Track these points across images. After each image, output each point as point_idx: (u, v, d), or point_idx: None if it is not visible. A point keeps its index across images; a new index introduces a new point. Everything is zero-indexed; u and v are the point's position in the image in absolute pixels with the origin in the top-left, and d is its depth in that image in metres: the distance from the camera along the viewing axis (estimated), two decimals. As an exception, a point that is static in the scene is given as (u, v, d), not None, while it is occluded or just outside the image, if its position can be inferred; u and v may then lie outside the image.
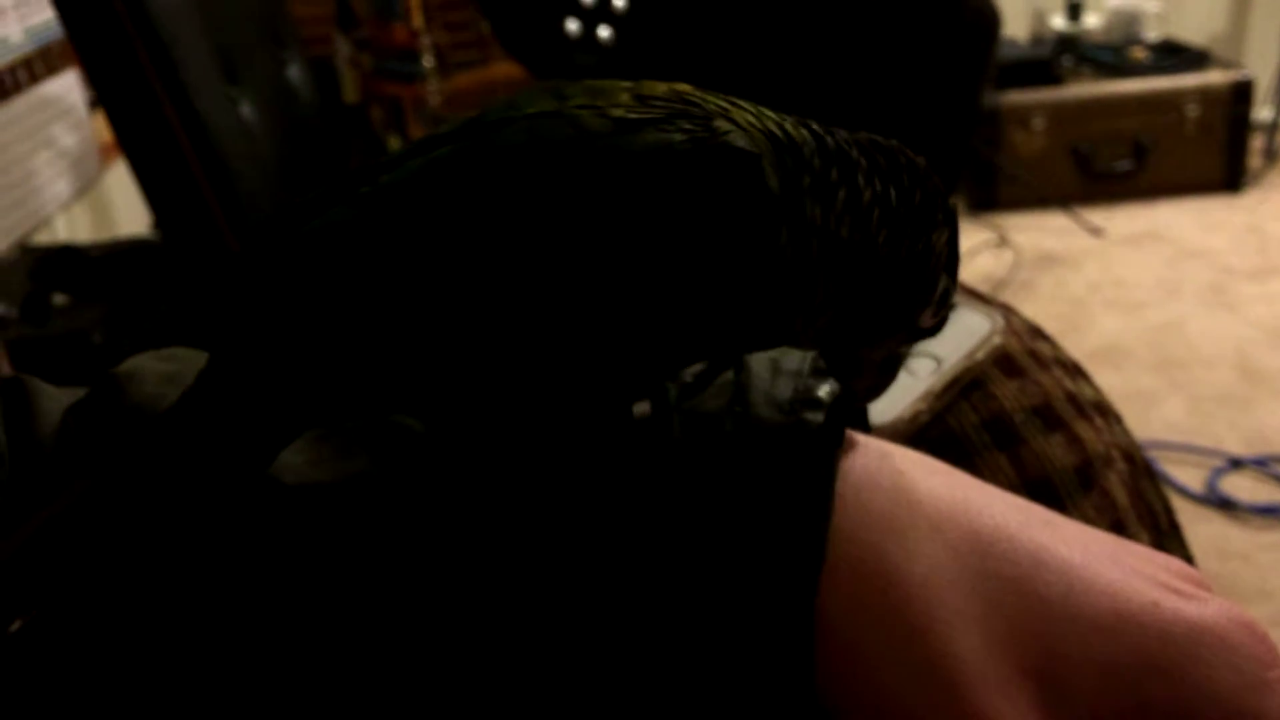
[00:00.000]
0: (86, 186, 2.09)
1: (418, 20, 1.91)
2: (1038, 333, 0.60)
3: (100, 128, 2.13)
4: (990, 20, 1.97)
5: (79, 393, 0.41)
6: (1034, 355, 0.57)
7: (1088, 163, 2.97)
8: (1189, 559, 0.58)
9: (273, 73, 1.39)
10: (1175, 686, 0.30)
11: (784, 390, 0.35)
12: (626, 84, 0.34)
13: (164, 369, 0.40)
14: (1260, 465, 1.91)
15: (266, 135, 1.28)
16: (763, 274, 0.32)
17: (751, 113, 0.34)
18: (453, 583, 0.33)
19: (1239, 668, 0.30)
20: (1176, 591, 0.32)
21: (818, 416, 0.34)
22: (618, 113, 0.32)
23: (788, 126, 0.34)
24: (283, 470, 0.35)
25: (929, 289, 0.35)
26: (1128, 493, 0.55)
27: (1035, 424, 0.54)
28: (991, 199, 2.97)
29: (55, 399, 0.41)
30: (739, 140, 0.32)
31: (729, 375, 0.36)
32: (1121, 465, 0.56)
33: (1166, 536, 0.57)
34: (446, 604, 0.33)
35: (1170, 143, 2.96)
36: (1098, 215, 2.90)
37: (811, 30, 1.94)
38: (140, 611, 0.34)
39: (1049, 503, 0.53)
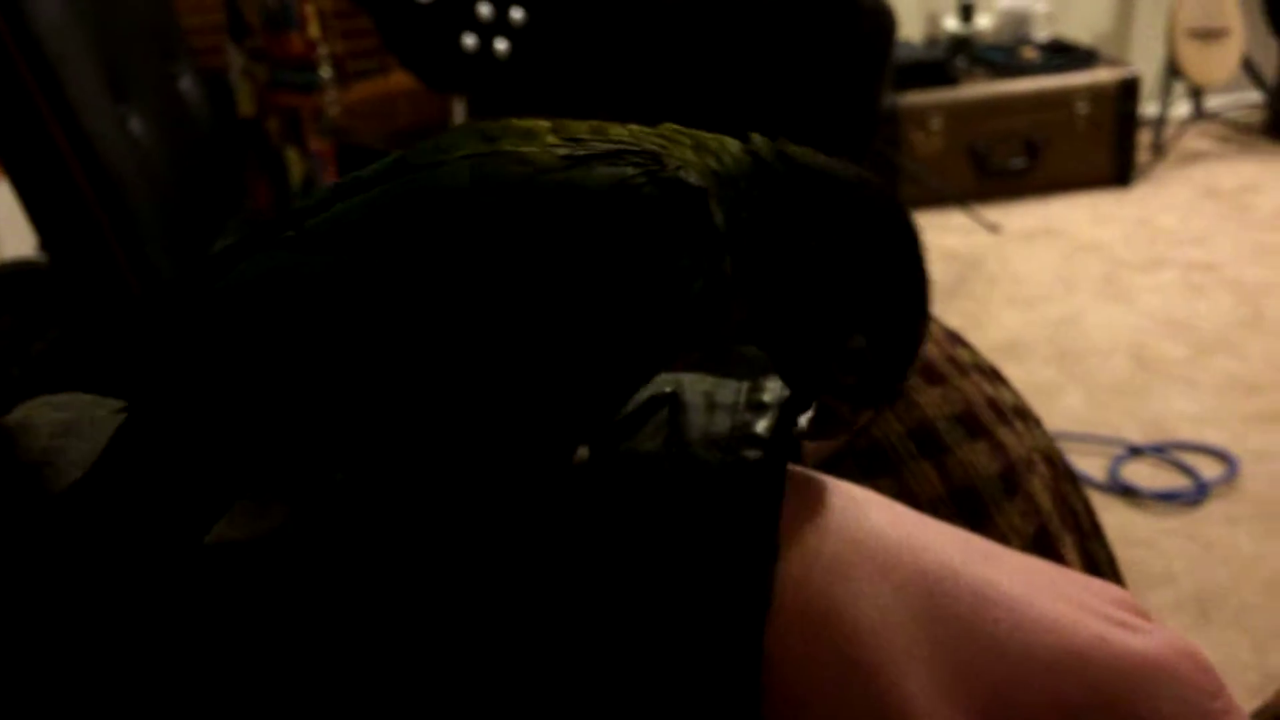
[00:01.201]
0: (-34, 207, 2.01)
1: (315, 30, 1.86)
2: (956, 338, 0.60)
3: (-20, 145, 2.05)
4: (887, 23, 2.00)
5: None
6: (953, 361, 0.57)
7: (983, 161, 3.04)
8: (1111, 557, 0.59)
9: (164, 87, 1.35)
10: None
11: (721, 425, 0.34)
12: (547, 124, 0.33)
13: (57, 418, 0.38)
14: (1159, 452, 1.96)
15: (159, 152, 1.24)
16: (708, 305, 0.31)
17: (689, 145, 0.33)
18: (377, 642, 0.32)
19: (1186, 699, 0.31)
20: (1120, 624, 0.32)
21: (756, 453, 0.33)
22: (561, 150, 0.32)
23: (726, 156, 0.33)
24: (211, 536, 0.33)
25: (829, 336, 0.34)
26: (1050, 496, 0.56)
27: (959, 431, 0.54)
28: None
29: None
30: (690, 176, 0.32)
31: (663, 413, 0.35)
32: (1043, 469, 0.57)
33: (1088, 537, 0.58)
34: (371, 664, 0.31)
35: (1062, 140, 3.05)
36: (995, 213, 2.97)
37: (710, 38, 1.95)
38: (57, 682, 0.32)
39: (976, 510, 0.54)
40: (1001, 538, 0.53)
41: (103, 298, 1.09)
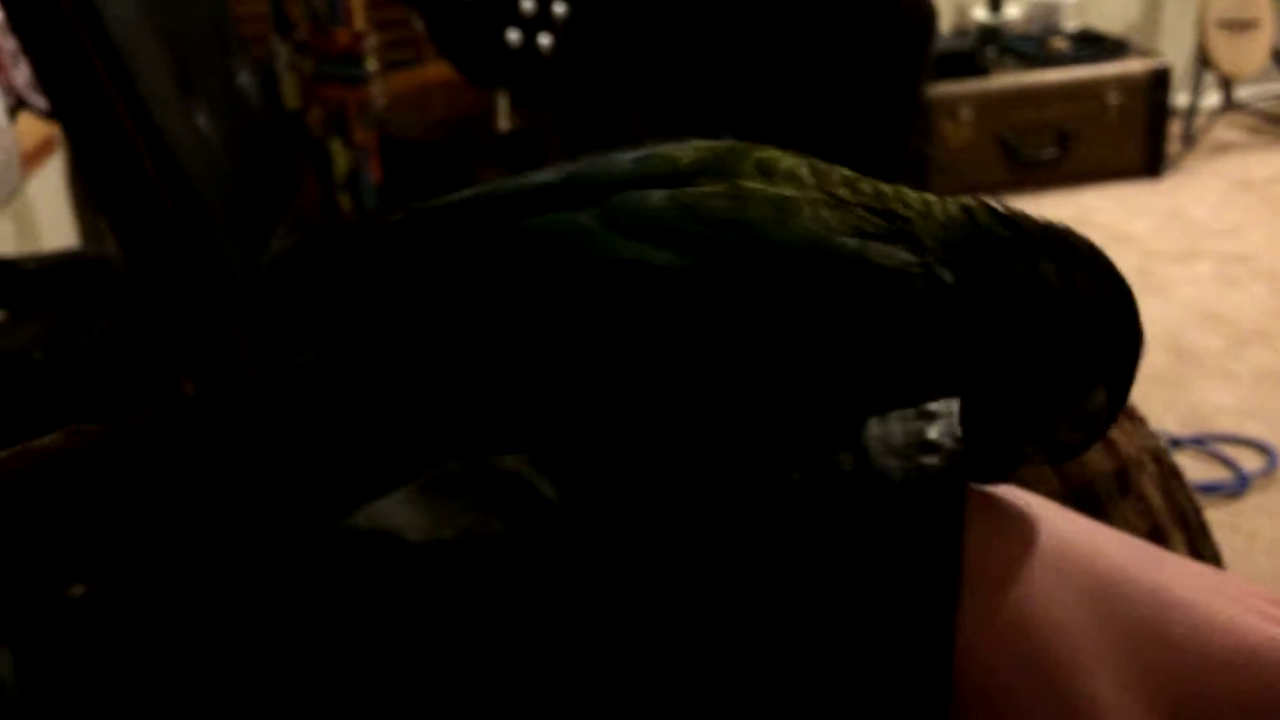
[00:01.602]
0: (8, 197, 2.02)
1: (360, 22, 1.88)
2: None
3: (21, 136, 2.06)
4: (928, 15, 2.00)
5: None
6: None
7: (1014, 152, 3.03)
8: (1217, 554, 0.60)
9: (224, 81, 1.36)
10: None
11: (895, 434, 0.35)
12: (804, 163, 0.35)
13: None
14: (1199, 444, 1.97)
15: (223, 146, 1.25)
16: (945, 370, 0.33)
17: (917, 210, 0.35)
18: (588, 646, 0.33)
19: None
20: None
21: (934, 460, 0.34)
22: (849, 219, 0.33)
23: (946, 220, 0.34)
24: (404, 529, 0.34)
25: (1073, 392, 0.35)
26: (1161, 494, 0.57)
27: (1074, 432, 0.55)
28: (923, 189, 3.01)
29: None
30: (945, 275, 0.33)
31: None
32: (1151, 467, 0.58)
33: (1196, 534, 0.58)
34: (585, 665, 0.32)
35: (1092, 130, 3.04)
36: (1025, 203, 2.94)
37: (752, 32, 1.96)
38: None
39: (1092, 509, 0.55)
40: (1116, 533, 0.53)
41: (178, 291, 1.10)
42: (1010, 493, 0.36)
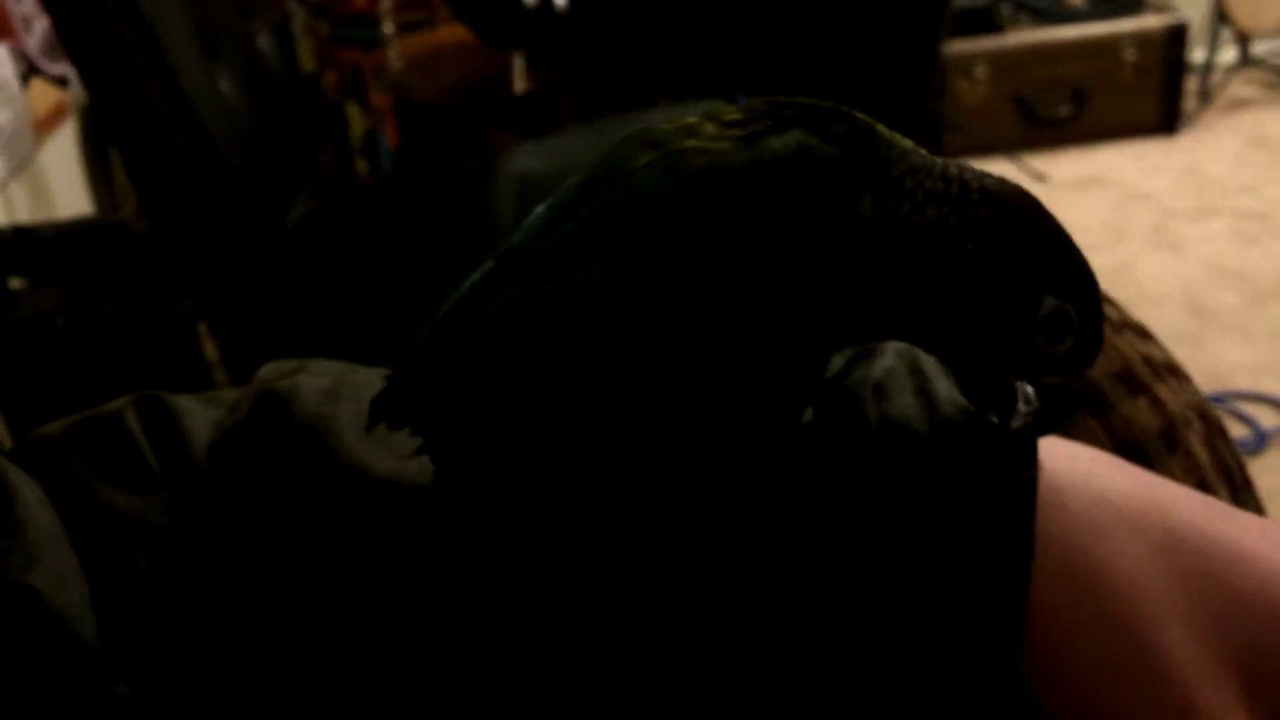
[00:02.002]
0: (22, 165, 2.02)
1: (376, -15, 1.87)
2: (1103, 296, 0.61)
3: (34, 102, 2.05)
4: (945, -30, 1.98)
5: (215, 409, 0.40)
6: (1107, 320, 0.58)
7: (1029, 110, 3.01)
8: (1260, 508, 0.60)
9: (245, 45, 1.36)
10: None
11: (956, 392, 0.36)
12: (699, 118, 0.35)
13: (319, 384, 0.39)
14: (1218, 402, 1.97)
15: (246, 110, 1.25)
16: (881, 245, 0.33)
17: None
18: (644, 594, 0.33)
19: None
20: None
21: (1007, 420, 0.34)
22: (733, 133, 0.34)
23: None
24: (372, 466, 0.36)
25: (1021, 304, 0.34)
26: (1206, 450, 0.57)
27: (1121, 389, 0.55)
28: (937, 148, 2.99)
29: (198, 416, 0.40)
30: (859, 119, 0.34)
31: (906, 375, 0.36)
32: (1197, 424, 0.58)
33: (1240, 490, 0.59)
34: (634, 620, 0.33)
35: (1108, 87, 3.02)
36: (1041, 161, 2.95)
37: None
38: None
39: (1140, 465, 0.55)
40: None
41: (203, 256, 1.10)
42: (1077, 449, 0.36)
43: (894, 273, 0.33)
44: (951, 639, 0.32)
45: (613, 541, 0.34)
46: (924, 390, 0.36)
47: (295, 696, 0.34)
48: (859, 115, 0.35)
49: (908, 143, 0.35)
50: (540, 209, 0.36)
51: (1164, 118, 3.07)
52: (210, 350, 1.60)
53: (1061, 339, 0.35)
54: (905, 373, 0.37)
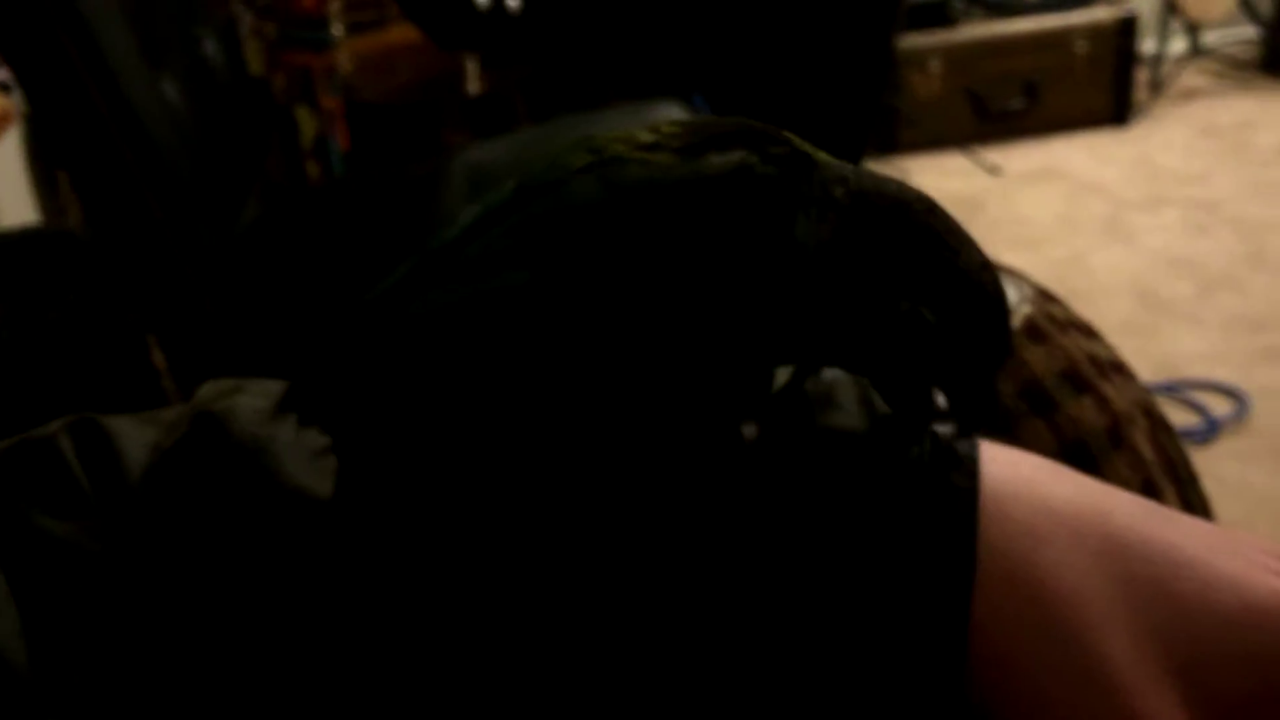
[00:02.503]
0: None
1: (324, -15, 1.85)
2: (1047, 295, 0.61)
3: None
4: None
5: (151, 430, 0.39)
6: (1052, 319, 0.59)
7: (982, 103, 3.04)
8: (1205, 502, 0.61)
9: (190, 50, 1.34)
10: None
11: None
12: (641, 130, 0.35)
13: (258, 405, 0.38)
14: (1170, 391, 1.99)
15: (191, 116, 1.23)
16: (809, 267, 0.33)
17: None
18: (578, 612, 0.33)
19: None
20: None
21: (947, 428, 0.34)
22: (674, 145, 0.34)
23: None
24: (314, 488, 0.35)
25: (881, 310, 0.34)
26: (1152, 447, 0.58)
27: (1066, 388, 0.56)
28: (891, 142, 3.02)
29: (134, 438, 0.39)
30: (796, 143, 0.34)
31: (851, 385, 0.36)
32: (1143, 421, 0.58)
33: (1186, 485, 0.59)
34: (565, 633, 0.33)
35: (1060, 80, 3.04)
36: (995, 154, 2.97)
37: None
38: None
39: (1086, 464, 0.55)
40: (1111, 489, 0.54)
41: (149, 264, 1.09)
42: (1019, 456, 0.36)
43: (816, 292, 0.33)
44: (896, 649, 0.32)
45: (530, 550, 0.34)
46: (868, 400, 0.36)
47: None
48: (795, 139, 0.35)
49: (845, 167, 0.35)
50: (473, 208, 0.36)
51: (1116, 109, 3.10)
52: (160, 359, 1.58)
53: (920, 342, 0.34)
54: (850, 382, 0.37)
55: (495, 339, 0.33)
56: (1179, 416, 1.93)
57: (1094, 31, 3.02)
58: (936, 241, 0.34)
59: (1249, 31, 3.40)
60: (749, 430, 0.36)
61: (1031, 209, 2.70)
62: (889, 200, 0.34)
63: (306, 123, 1.95)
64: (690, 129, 0.35)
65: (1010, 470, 0.35)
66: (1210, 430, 1.88)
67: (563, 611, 0.33)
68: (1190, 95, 3.27)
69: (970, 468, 0.33)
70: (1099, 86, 3.07)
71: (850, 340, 0.34)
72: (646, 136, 0.35)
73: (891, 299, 0.33)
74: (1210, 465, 1.81)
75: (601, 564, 0.34)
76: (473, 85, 1.90)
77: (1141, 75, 3.19)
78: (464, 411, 0.33)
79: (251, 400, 0.38)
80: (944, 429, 0.35)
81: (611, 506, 0.34)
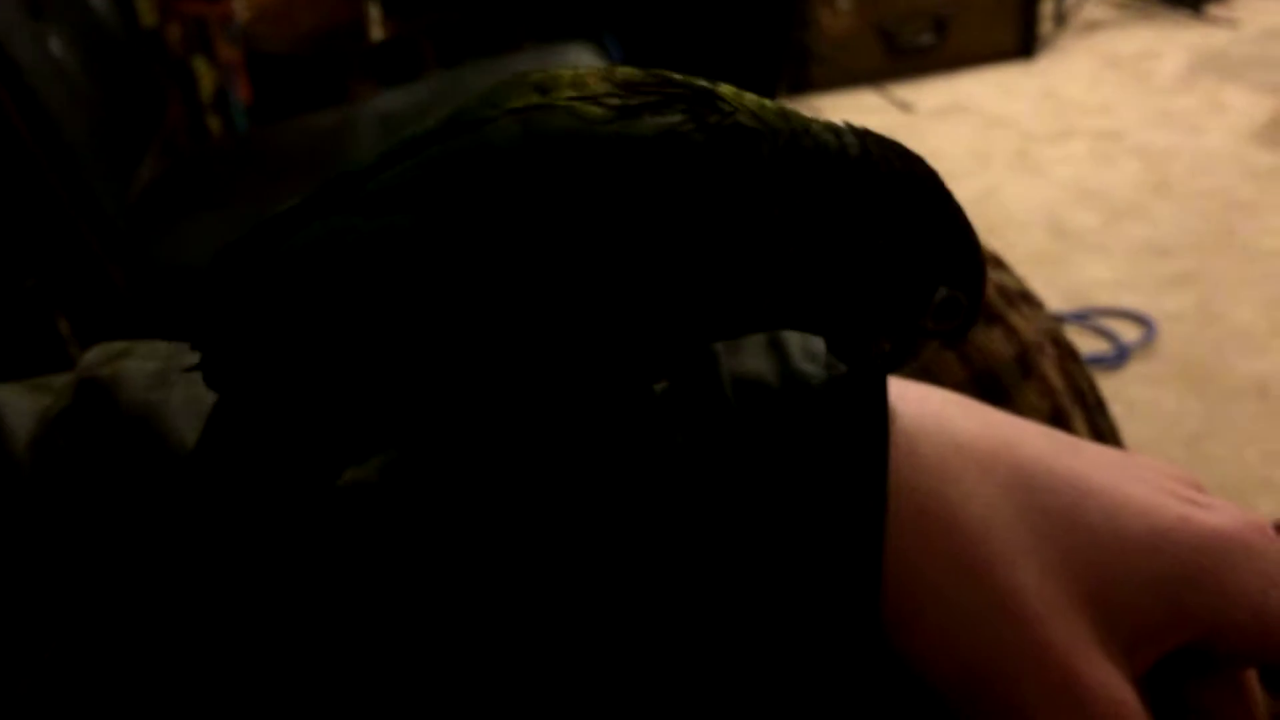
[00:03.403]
0: None
1: (217, -68, 1.78)
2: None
3: None
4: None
5: (43, 398, 0.38)
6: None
7: (893, 39, 3.05)
8: (1114, 429, 0.62)
9: (76, 2, 1.28)
10: (1209, 594, 0.33)
11: (817, 344, 0.35)
12: (599, 71, 0.33)
13: (147, 368, 0.37)
14: (1080, 319, 2.03)
15: (81, 72, 1.18)
16: (760, 248, 0.32)
17: (744, 101, 0.33)
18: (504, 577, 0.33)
19: (1260, 570, 0.33)
20: (1193, 502, 0.34)
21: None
22: (613, 100, 0.32)
23: (772, 117, 0.33)
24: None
25: (913, 293, 0.34)
26: (1060, 375, 0.58)
27: (975, 319, 0.56)
28: (804, 81, 3.02)
29: (20, 409, 0.37)
30: (745, 120, 0.32)
31: (761, 336, 0.36)
32: (1050, 350, 0.59)
33: (1094, 411, 0.60)
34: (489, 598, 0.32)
35: (967, 14, 3.06)
36: (906, 91, 2.99)
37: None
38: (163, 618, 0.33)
39: (996, 393, 0.56)
40: (1021, 416, 0.55)
41: (45, 229, 1.05)
42: (928, 391, 0.36)
43: (766, 265, 0.32)
44: (811, 589, 0.32)
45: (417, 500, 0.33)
46: (775, 343, 0.36)
47: (129, 699, 0.33)
48: (743, 98, 0.33)
49: (814, 123, 0.33)
50: (397, 138, 0.34)
51: (1021, 42, 3.13)
52: (65, 326, 1.54)
53: (949, 321, 0.35)
54: None
55: (364, 284, 0.31)
56: (1090, 344, 1.97)
57: (999, -35, 3.04)
58: (946, 222, 0.34)
59: (1149, -38, 3.45)
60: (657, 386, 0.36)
61: (943, 144, 2.73)
62: (901, 167, 0.33)
63: (205, 75, 1.89)
64: (636, 83, 0.33)
65: (918, 406, 0.35)
66: (1120, 356, 1.93)
67: (468, 565, 0.33)
68: (1093, 27, 3.31)
69: (879, 405, 0.33)
70: (1005, 20, 3.10)
71: (826, 309, 0.34)
72: (591, 85, 0.33)
73: (891, 276, 0.33)
74: (1121, 390, 1.86)
75: (507, 520, 0.33)
76: (376, 32, 1.85)
77: (1046, 8, 3.22)
78: (329, 355, 0.31)
79: (140, 364, 0.37)
80: (853, 368, 0.35)
81: (497, 464, 0.33)
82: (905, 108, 2.91)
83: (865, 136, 0.34)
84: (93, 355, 0.39)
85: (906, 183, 0.33)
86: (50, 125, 1.03)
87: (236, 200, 1.24)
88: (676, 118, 0.31)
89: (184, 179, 1.32)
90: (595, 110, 0.32)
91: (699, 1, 1.89)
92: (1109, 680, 0.31)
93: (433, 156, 0.32)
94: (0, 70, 1.00)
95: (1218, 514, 0.34)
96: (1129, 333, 1.98)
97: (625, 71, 0.34)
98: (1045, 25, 3.21)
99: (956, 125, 2.83)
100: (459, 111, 0.33)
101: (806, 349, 0.35)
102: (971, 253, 0.34)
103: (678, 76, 0.34)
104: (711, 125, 0.32)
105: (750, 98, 0.34)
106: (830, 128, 0.34)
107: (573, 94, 0.32)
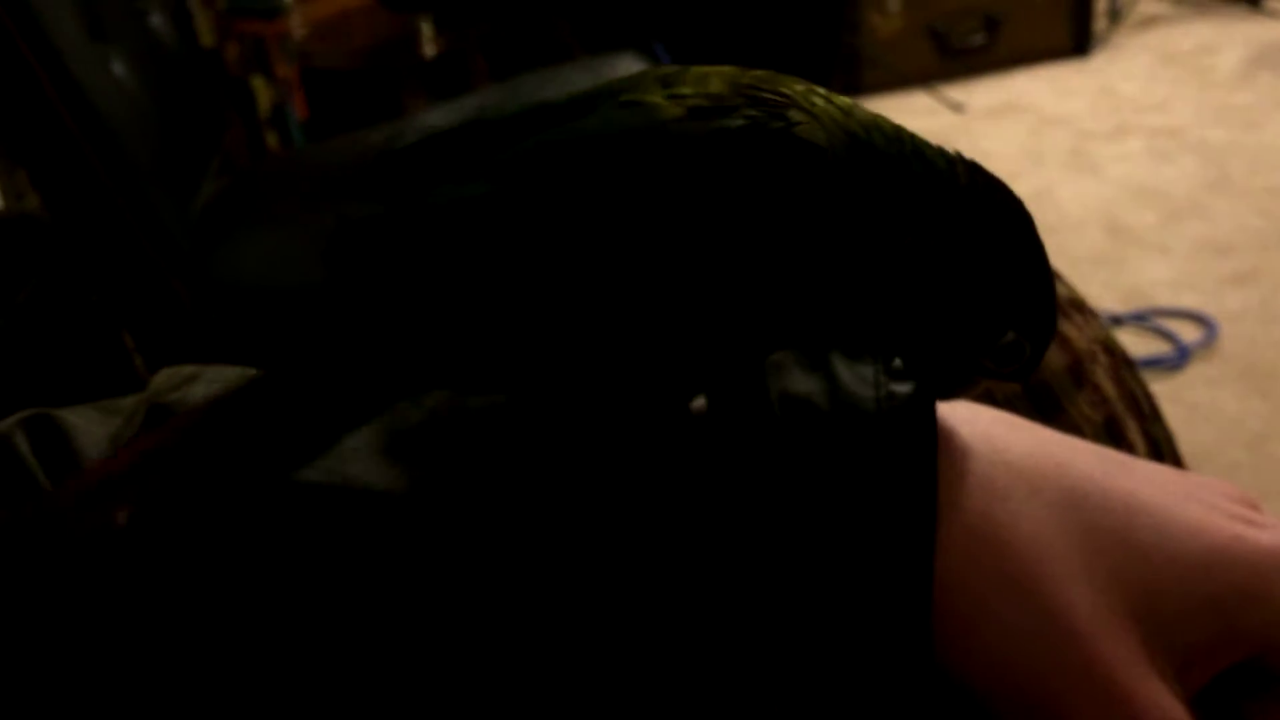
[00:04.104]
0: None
1: (272, -48, 1.81)
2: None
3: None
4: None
5: (113, 421, 0.39)
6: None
7: (944, 40, 3.02)
8: (1169, 436, 0.61)
9: (136, 24, 1.31)
10: (1263, 612, 0.33)
11: (865, 368, 0.36)
12: (733, 72, 0.34)
13: (208, 392, 0.38)
14: (1140, 320, 2.01)
15: (142, 92, 1.21)
16: (817, 262, 0.32)
17: (838, 110, 0.33)
18: (558, 590, 0.33)
19: None
20: (1246, 520, 0.34)
21: (904, 388, 0.34)
22: (697, 101, 0.32)
23: (876, 134, 0.33)
24: (370, 480, 0.34)
25: (981, 332, 0.34)
26: (1113, 383, 0.58)
27: (1027, 330, 0.56)
28: (855, 84, 3.00)
29: (92, 433, 0.38)
30: (808, 131, 0.32)
31: (806, 358, 0.36)
32: (1103, 358, 0.59)
33: (1149, 420, 0.60)
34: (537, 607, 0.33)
35: (1020, 12, 3.03)
36: (958, 91, 2.96)
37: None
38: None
39: (1049, 404, 0.56)
40: (1074, 428, 0.55)
41: (110, 247, 1.07)
42: (977, 410, 0.36)
43: (830, 276, 0.33)
44: (861, 611, 0.32)
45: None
46: (822, 365, 0.36)
47: (131, 698, 0.33)
48: (842, 106, 0.34)
49: (927, 145, 0.34)
50: (538, 101, 0.36)
51: (1076, 40, 3.09)
52: (130, 339, 1.57)
53: (1008, 365, 0.35)
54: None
55: (463, 247, 0.33)
56: (1149, 345, 1.94)
57: (1052, -38, 3.00)
58: (1035, 261, 0.34)
59: (1206, -45, 3.39)
60: (697, 402, 0.36)
61: (996, 144, 2.70)
62: (993, 187, 0.33)
63: (263, 93, 1.92)
64: (743, 88, 0.33)
65: (968, 426, 0.35)
66: (1181, 357, 1.90)
67: (506, 569, 0.33)
68: (1149, 23, 3.27)
69: (928, 425, 0.34)
70: (1058, 18, 3.06)
71: (916, 331, 0.34)
72: (714, 85, 0.33)
73: (964, 311, 0.33)
74: (1181, 392, 1.83)
75: (553, 528, 0.34)
76: (429, 47, 1.87)
77: (1100, 5, 3.18)
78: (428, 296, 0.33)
79: (206, 389, 0.38)
80: (901, 387, 0.35)
81: (550, 467, 0.34)
82: (957, 108, 2.88)
83: (974, 168, 0.34)
84: (161, 379, 0.40)
85: (1001, 219, 0.34)
86: (113, 144, 1.05)
87: (292, 215, 1.26)
88: (737, 121, 0.32)
89: (242, 195, 1.34)
90: (673, 110, 0.32)
91: (748, 8, 1.89)
92: (1160, 699, 0.31)
93: (546, 140, 0.34)
94: (64, 91, 1.02)
95: (1272, 533, 0.34)
96: (1189, 333, 1.95)
97: (754, 75, 0.34)
98: (1100, 22, 3.17)
99: (1010, 125, 2.80)
100: (589, 92, 0.35)
101: (857, 373, 0.36)
102: (1047, 303, 0.35)
103: (794, 87, 0.34)
104: (772, 130, 0.32)
105: (851, 109, 0.34)
106: (941, 152, 0.34)
107: (675, 92, 0.33)
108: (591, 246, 0.32)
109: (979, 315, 0.34)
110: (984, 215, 0.33)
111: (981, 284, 0.33)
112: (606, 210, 0.32)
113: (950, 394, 0.36)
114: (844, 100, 0.34)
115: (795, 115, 0.32)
